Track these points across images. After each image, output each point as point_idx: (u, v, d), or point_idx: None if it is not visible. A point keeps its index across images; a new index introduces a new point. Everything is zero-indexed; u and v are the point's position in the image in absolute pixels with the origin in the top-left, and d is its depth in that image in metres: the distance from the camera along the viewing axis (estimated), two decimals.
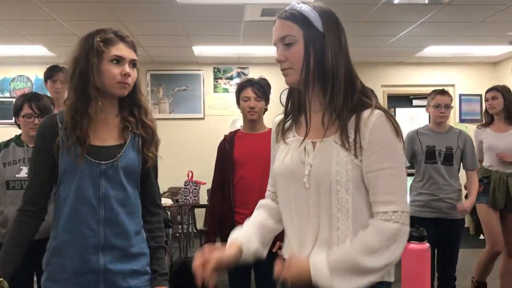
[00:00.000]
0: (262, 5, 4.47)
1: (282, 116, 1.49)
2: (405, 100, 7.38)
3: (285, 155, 1.41)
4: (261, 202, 1.56)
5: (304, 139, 1.36)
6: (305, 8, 1.36)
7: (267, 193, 1.57)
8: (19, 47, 5.97)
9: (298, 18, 1.35)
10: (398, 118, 7.22)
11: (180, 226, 5.48)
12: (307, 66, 1.33)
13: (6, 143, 2.71)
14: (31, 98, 2.67)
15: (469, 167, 3.48)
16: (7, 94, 6.98)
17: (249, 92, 2.77)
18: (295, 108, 1.44)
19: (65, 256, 1.66)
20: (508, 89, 3.91)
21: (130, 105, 1.75)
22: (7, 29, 5.20)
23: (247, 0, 4.32)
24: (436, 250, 3.42)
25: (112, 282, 1.67)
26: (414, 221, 3.45)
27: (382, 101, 7.24)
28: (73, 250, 1.65)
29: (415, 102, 7.37)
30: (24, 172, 2.57)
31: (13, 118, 2.71)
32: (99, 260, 1.65)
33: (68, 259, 1.65)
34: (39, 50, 6.05)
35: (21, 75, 6.97)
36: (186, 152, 6.73)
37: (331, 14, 1.38)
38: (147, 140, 1.75)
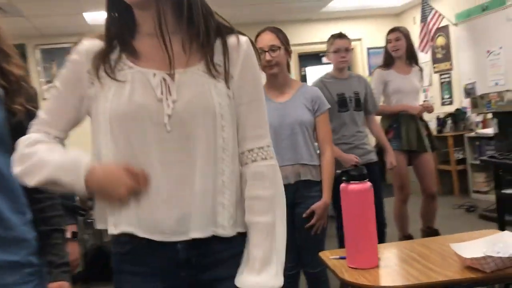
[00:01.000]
0: None
1: (97, 42, 1.13)
2: (315, 58, 7.32)
3: (128, 93, 1.08)
4: (34, 137, 1.15)
5: (172, 70, 1.08)
6: None
7: (44, 135, 1.16)
8: None
9: None
10: (310, 78, 7.22)
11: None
12: None
13: None
14: None
15: (372, 110, 3.43)
16: None
17: None
18: (125, 31, 1.13)
19: None
20: (408, 31, 3.97)
21: None
22: None
23: None
24: None
25: None
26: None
27: (293, 61, 7.12)
28: None
29: (324, 60, 7.32)
30: None
31: None
32: None
33: None
34: None
35: None
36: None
37: None
38: (10, 91, 1.35)
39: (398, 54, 3.86)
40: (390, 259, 1.76)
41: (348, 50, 3.31)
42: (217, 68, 1.10)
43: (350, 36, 3.45)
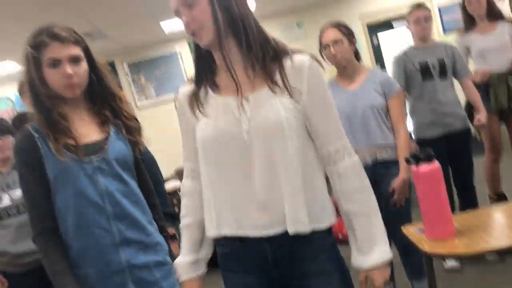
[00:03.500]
0: None
1: (188, 87, 1.42)
2: (386, 26, 7.22)
3: (214, 121, 1.33)
4: (186, 188, 1.48)
5: (240, 95, 1.31)
6: None
7: (186, 172, 1.48)
8: None
9: None
10: (383, 46, 7.17)
11: None
12: (216, 20, 1.28)
13: None
14: None
15: (463, 74, 3.38)
16: None
17: None
18: (208, 71, 1.39)
19: (84, 264, 1.57)
20: None
21: (101, 96, 1.67)
22: None
23: None
24: (450, 167, 3.38)
25: (140, 278, 1.61)
26: (423, 143, 3.44)
27: (363, 31, 7.11)
28: (91, 256, 1.56)
29: (396, 25, 7.22)
30: (6, 200, 2.41)
31: None
32: (120, 258, 1.58)
33: (89, 267, 1.57)
34: (12, 66, 5.92)
35: (0, 98, 6.87)
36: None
37: None
38: (130, 126, 1.69)
39: (480, 12, 3.59)
40: (467, 227, 1.91)
41: (428, 19, 3.33)
42: (280, 87, 1.30)
43: None
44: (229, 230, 1.33)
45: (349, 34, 2.65)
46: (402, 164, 2.57)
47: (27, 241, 2.01)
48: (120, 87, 6.96)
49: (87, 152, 1.59)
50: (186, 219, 1.46)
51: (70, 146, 1.56)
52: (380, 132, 2.60)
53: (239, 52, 1.32)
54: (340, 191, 1.36)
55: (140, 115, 6.98)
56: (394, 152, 2.63)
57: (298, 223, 1.28)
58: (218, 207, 1.34)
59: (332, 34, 2.62)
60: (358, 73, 2.69)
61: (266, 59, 1.31)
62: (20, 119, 2.63)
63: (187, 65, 6.96)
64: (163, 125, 5.96)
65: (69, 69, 1.54)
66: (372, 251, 1.33)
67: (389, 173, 2.59)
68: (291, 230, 1.29)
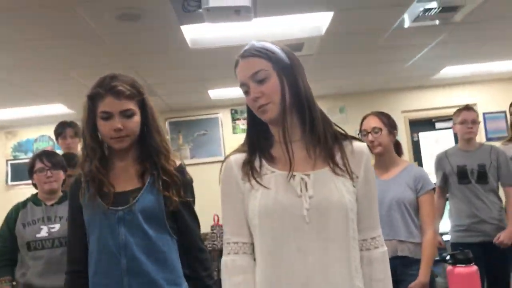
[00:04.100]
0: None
1: (240, 154, 1.42)
2: (428, 124, 7.25)
3: (274, 193, 1.31)
4: (240, 263, 1.36)
5: (291, 173, 1.32)
6: (266, 44, 1.38)
7: (235, 246, 1.38)
8: (39, 107, 6.09)
9: (264, 53, 1.36)
10: (423, 143, 7.15)
11: None
12: (283, 97, 1.33)
13: (24, 203, 2.69)
14: (41, 154, 2.73)
15: (505, 182, 3.29)
16: (31, 155, 7.08)
17: None
18: (263, 142, 1.40)
19: None
20: None
21: (148, 150, 1.71)
22: (26, 91, 5.32)
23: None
24: (485, 276, 3.24)
25: None
26: (459, 247, 3.35)
27: (404, 127, 7.13)
28: None
29: (438, 125, 7.23)
30: (44, 232, 2.54)
31: (30, 180, 2.74)
32: None
33: None
34: (59, 108, 6.15)
35: (43, 135, 7.08)
36: (210, 196, 6.59)
37: (288, 48, 1.40)
38: (169, 183, 1.68)
39: None
40: None
41: (474, 122, 3.34)
42: (341, 168, 1.33)
43: (464, 101, 3.50)
44: None
45: (389, 125, 2.67)
46: (423, 266, 2.47)
47: (53, 277, 2.15)
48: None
49: (116, 201, 1.62)
50: None
51: (103, 194, 1.62)
52: (404, 227, 2.54)
53: (301, 130, 1.37)
54: (369, 277, 1.36)
55: None
56: (416, 251, 2.53)
57: None
58: (274, 281, 1.31)
59: (373, 122, 2.66)
60: (394, 165, 2.67)
61: (328, 140, 1.35)
62: (68, 158, 2.79)
63: (226, 131, 7.08)
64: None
65: (119, 123, 1.60)
66: None
67: (408, 272, 2.50)
68: None
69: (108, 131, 1.62)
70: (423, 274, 2.47)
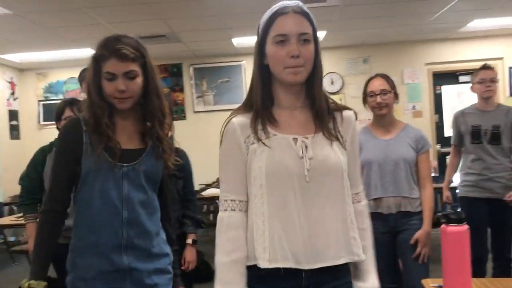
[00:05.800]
0: None
1: (242, 116, 1.47)
2: (451, 77, 7.18)
3: (275, 154, 1.40)
4: (234, 220, 1.43)
5: (307, 135, 1.43)
6: (306, 7, 1.42)
7: (232, 203, 1.44)
8: (69, 51, 6.26)
9: (311, 18, 1.41)
10: (445, 96, 7.12)
11: None
12: (314, 65, 1.40)
13: (50, 147, 2.74)
14: (71, 102, 2.75)
15: None
16: (61, 96, 7.33)
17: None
18: (266, 104, 1.46)
19: (91, 256, 1.69)
20: None
21: (148, 111, 1.76)
22: (57, 35, 5.48)
23: None
24: (490, 229, 3.39)
25: (138, 279, 1.72)
26: (466, 201, 3.49)
27: (427, 79, 7.11)
28: (99, 250, 1.69)
29: (461, 78, 7.15)
30: None
31: (56, 123, 2.75)
32: (123, 260, 1.69)
33: (95, 259, 1.69)
34: (88, 52, 6.29)
35: (72, 77, 7.28)
36: None
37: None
38: (165, 150, 1.78)
39: None
40: None
41: (493, 81, 3.35)
42: (333, 135, 1.44)
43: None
44: (284, 263, 1.38)
45: (394, 88, 2.76)
46: (427, 218, 2.65)
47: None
48: (182, 89, 7.27)
49: (123, 157, 1.70)
50: (237, 254, 1.41)
51: (109, 149, 1.68)
52: (407, 184, 2.69)
53: (303, 97, 1.47)
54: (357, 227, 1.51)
55: (195, 119, 7.25)
56: (416, 205, 2.70)
57: (355, 255, 1.43)
58: (272, 238, 1.39)
59: (381, 84, 2.73)
60: (394, 126, 2.79)
61: (324, 111, 1.45)
62: (71, 102, 2.77)
63: (249, 79, 7.12)
64: (214, 133, 6.13)
65: (122, 85, 1.65)
66: (370, 278, 1.49)
67: (409, 223, 2.68)
68: (343, 261, 1.41)
69: (112, 92, 1.65)
70: (427, 224, 2.64)
